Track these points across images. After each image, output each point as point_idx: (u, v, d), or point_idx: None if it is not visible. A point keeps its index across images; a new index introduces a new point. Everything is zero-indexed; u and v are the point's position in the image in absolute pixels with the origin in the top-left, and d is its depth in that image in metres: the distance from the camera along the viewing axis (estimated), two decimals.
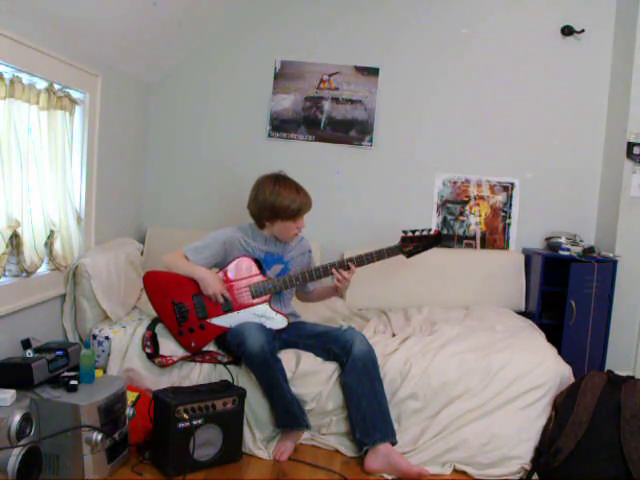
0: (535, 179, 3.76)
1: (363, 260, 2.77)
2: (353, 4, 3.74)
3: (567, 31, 3.63)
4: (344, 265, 2.76)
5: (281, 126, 3.79)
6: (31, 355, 2.29)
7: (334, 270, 2.74)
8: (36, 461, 2.00)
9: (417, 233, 2.86)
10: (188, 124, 3.85)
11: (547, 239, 3.66)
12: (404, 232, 2.87)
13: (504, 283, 3.61)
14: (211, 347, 2.74)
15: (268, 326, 2.69)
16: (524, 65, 3.70)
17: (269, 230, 2.82)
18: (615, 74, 3.63)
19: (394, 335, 2.98)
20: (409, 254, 2.87)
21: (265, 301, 2.75)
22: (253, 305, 2.74)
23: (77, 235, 2.82)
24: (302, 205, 2.75)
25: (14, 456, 1.90)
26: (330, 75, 3.76)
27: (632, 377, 2.56)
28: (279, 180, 2.78)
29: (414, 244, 2.86)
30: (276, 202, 2.71)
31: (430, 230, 2.88)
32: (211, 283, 2.69)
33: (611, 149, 3.64)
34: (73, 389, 2.21)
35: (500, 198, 3.78)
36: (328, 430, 2.64)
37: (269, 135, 3.80)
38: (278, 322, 2.75)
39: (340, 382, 2.60)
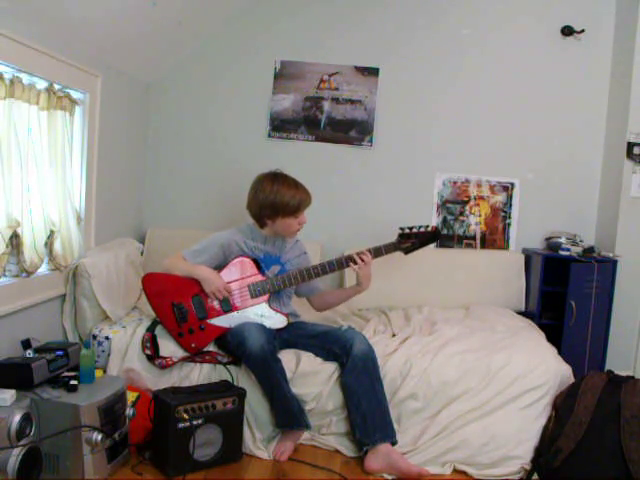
0: (535, 179, 3.76)
1: (363, 252, 2.77)
2: (353, 4, 3.74)
3: (567, 31, 3.63)
4: (342, 262, 2.77)
5: (281, 126, 3.79)
6: (31, 355, 2.29)
7: (354, 255, 2.75)
8: (36, 461, 2.00)
9: (414, 230, 2.86)
10: (188, 124, 3.85)
11: (547, 239, 3.66)
12: (401, 229, 2.88)
13: (504, 283, 3.61)
14: (211, 347, 2.74)
15: (268, 326, 2.70)
16: (524, 65, 3.70)
17: (270, 228, 2.82)
18: (615, 74, 3.63)
19: (394, 335, 2.98)
20: (407, 251, 2.87)
21: (264, 301, 2.75)
22: (252, 305, 2.74)
23: (77, 235, 2.82)
24: (302, 200, 2.76)
25: (14, 456, 1.89)
26: (330, 75, 3.76)
27: (632, 377, 2.56)
28: (277, 177, 2.78)
29: (411, 240, 2.86)
30: (276, 199, 2.72)
31: (427, 226, 2.89)
32: (213, 280, 2.70)
33: (611, 149, 3.64)
34: (73, 389, 2.20)
35: (500, 198, 3.78)
36: (328, 430, 2.64)
37: (269, 135, 3.80)
38: (277, 321, 2.75)
39: (340, 382, 2.60)
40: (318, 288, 2.98)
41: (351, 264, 2.77)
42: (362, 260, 2.75)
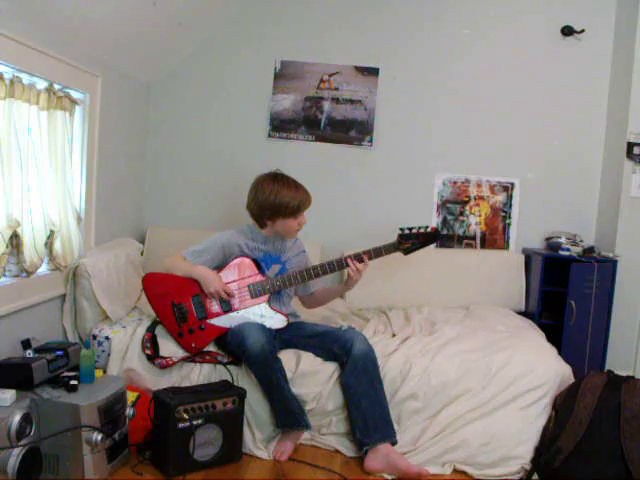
0: (535, 179, 3.76)
1: (360, 257, 2.78)
2: (353, 4, 3.74)
3: (567, 31, 3.63)
4: (342, 263, 2.77)
5: (281, 126, 3.79)
6: (31, 355, 2.29)
7: (349, 260, 2.75)
8: (36, 461, 2.00)
9: (414, 230, 2.86)
10: (188, 124, 3.85)
11: (547, 239, 3.66)
12: (401, 229, 2.87)
13: (504, 283, 3.61)
14: (211, 347, 2.74)
15: (268, 326, 2.70)
16: (524, 65, 3.70)
17: (270, 229, 2.82)
18: (615, 74, 3.63)
19: (394, 335, 2.98)
20: (406, 251, 2.87)
21: (264, 301, 2.75)
22: (252, 305, 2.74)
23: (77, 235, 2.82)
24: (302, 201, 2.76)
25: (14, 456, 1.90)
26: (330, 75, 3.76)
27: (632, 377, 2.56)
28: (277, 178, 2.79)
29: (411, 241, 2.86)
30: (276, 200, 2.72)
31: (427, 227, 2.89)
32: (213, 281, 2.70)
33: (611, 149, 3.64)
34: (73, 389, 2.20)
35: (500, 198, 3.78)
36: (328, 430, 2.64)
37: (269, 135, 3.80)
38: (278, 321, 2.75)
39: (340, 382, 2.60)
40: (315, 287, 2.98)
41: (347, 268, 2.77)
42: (357, 268, 2.75)
